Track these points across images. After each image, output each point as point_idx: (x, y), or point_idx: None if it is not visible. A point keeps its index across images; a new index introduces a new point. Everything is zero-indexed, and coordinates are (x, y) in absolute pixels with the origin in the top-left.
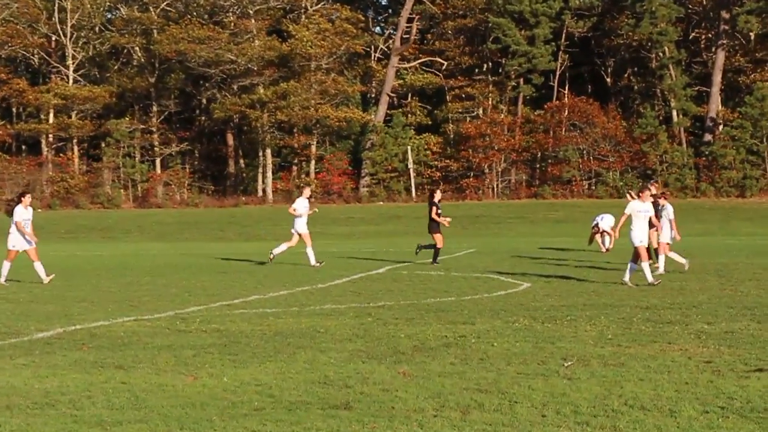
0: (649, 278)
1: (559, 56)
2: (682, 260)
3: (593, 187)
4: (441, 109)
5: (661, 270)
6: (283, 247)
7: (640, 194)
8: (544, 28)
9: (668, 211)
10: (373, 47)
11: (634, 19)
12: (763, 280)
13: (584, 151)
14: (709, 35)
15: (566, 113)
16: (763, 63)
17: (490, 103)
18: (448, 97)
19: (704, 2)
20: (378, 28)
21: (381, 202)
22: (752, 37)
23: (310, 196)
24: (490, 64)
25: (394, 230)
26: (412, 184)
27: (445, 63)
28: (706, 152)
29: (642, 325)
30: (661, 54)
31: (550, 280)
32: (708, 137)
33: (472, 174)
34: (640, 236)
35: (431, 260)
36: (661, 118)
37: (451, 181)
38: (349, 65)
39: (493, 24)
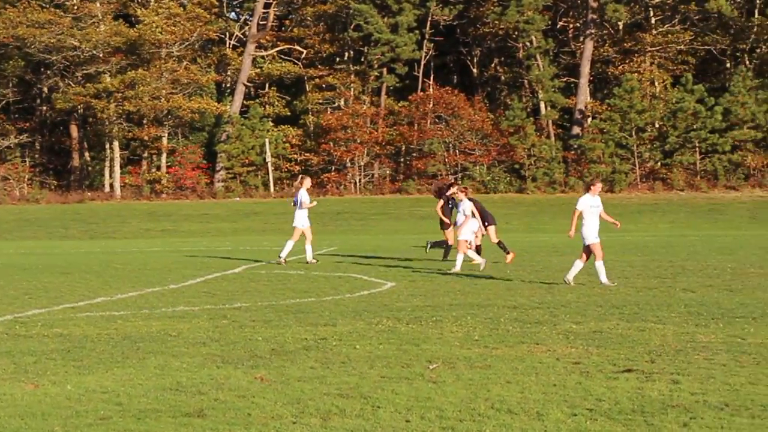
0: (603, 279)
1: (423, 45)
2: (480, 260)
3: (459, 182)
4: (300, 100)
5: (457, 269)
6: (289, 245)
7: (591, 187)
8: (408, 15)
9: (465, 206)
10: (227, 34)
11: (501, 7)
12: (631, 277)
13: (450, 145)
14: (577, 24)
15: (431, 105)
16: (631, 54)
17: (352, 93)
18: (307, 87)
19: None
20: (233, 14)
21: (237, 198)
22: (621, 27)
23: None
24: (352, 52)
25: (251, 227)
26: (270, 179)
27: (305, 51)
28: (575, 146)
29: (509, 325)
30: (528, 43)
31: (415, 280)
32: (576, 130)
33: (333, 168)
34: (593, 233)
35: (442, 257)
36: (528, 110)
37: (311, 175)
38: (203, 53)
39: (354, 10)
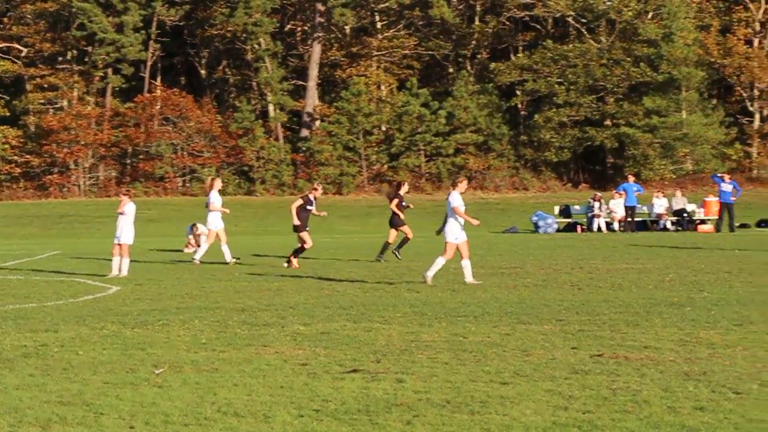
0: (469, 277)
1: (150, 46)
2: (116, 272)
3: (188, 184)
4: (20, 100)
5: (124, 273)
6: (204, 247)
7: (458, 184)
8: (134, 15)
9: (129, 209)
10: None
11: (228, 9)
12: (358, 278)
13: (178, 147)
14: (306, 27)
15: (159, 106)
16: (358, 57)
17: (75, 94)
18: (28, 86)
19: None
20: None
21: None
22: (348, 31)
23: (222, 189)
24: (75, 52)
25: None
26: None
27: (25, 50)
28: (304, 148)
29: (237, 328)
30: (256, 46)
31: (141, 283)
32: (305, 133)
33: (56, 170)
34: (456, 232)
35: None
36: (257, 112)
37: (32, 177)
38: None
39: (77, 9)
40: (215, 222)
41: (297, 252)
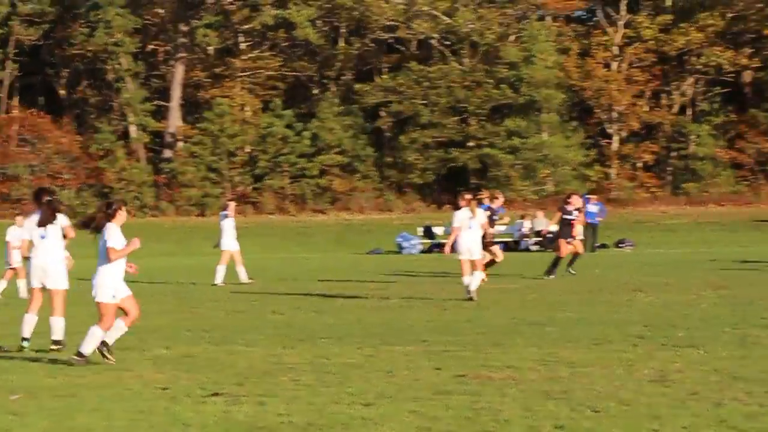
0: (473, 290)
1: (7, 65)
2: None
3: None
4: None
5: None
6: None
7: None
8: None
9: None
10: None
11: (89, 28)
12: (221, 300)
13: (36, 168)
14: (168, 48)
15: (16, 127)
16: (222, 78)
17: None
18: None
19: (162, 14)
20: None
21: None
22: (211, 52)
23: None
24: None
25: None
26: None
27: None
28: (166, 169)
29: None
30: (117, 66)
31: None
32: (168, 154)
33: None
34: (468, 246)
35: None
36: (118, 133)
37: None
38: None
39: None
40: (226, 243)
41: (487, 265)
